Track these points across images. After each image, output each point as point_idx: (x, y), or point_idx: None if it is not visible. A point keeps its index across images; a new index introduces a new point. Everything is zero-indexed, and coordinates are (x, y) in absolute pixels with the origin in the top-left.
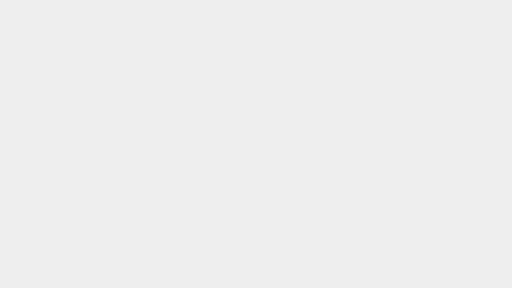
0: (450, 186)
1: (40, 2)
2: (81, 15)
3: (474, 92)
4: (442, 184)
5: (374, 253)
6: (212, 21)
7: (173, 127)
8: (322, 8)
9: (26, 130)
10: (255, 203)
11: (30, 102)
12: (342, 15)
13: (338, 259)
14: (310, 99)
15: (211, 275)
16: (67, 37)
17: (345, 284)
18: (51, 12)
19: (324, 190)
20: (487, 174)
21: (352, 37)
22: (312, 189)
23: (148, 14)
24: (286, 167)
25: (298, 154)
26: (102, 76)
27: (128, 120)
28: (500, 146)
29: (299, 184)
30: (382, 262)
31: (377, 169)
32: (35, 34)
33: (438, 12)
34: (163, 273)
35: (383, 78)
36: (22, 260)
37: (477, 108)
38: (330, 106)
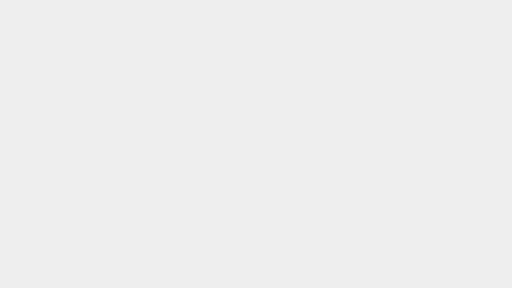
0: (450, 186)
1: (41, 2)
2: (81, 15)
3: (474, 92)
4: (442, 184)
5: (374, 252)
6: (212, 21)
7: (173, 127)
8: (322, 8)
9: (26, 130)
10: (255, 203)
11: (30, 102)
12: (342, 16)
13: (338, 259)
14: (309, 99)
15: (211, 275)
16: (67, 37)
17: (345, 284)
18: (51, 12)
19: (324, 190)
20: (487, 174)
21: (352, 38)
22: (312, 189)
23: (148, 15)
24: (286, 167)
25: (298, 155)
26: (102, 76)
27: (128, 120)
28: (500, 146)
29: (299, 184)
30: (382, 262)
31: (377, 169)
32: (35, 34)
33: (438, 12)
34: (163, 273)
35: (383, 79)
36: (22, 260)
37: (477, 108)
38: (329, 106)
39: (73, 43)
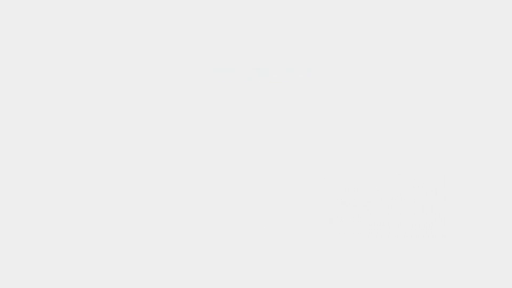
0: (449, 187)
1: (41, 2)
2: (84, 16)
3: (474, 92)
4: (441, 184)
5: (374, 252)
6: (212, 21)
7: (172, 128)
8: (323, 9)
9: (26, 130)
10: (255, 205)
11: (30, 102)
12: (342, 16)
13: (337, 259)
14: (309, 100)
15: (211, 275)
16: (67, 38)
17: (345, 284)
18: (51, 13)
19: (324, 191)
20: (487, 175)
21: (351, 38)
22: (312, 191)
23: (149, 16)
24: (286, 168)
25: (298, 156)
26: (101, 77)
27: (128, 120)
28: (500, 146)
29: (299, 185)
30: (382, 261)
31: (377, 170)
32: (35, 34)
33: (438, 13)
34: (163, 273)
35: (383, 79)
36: (22, 260)
37: (477, 109)
38: (329, 106)
39: (73, 43)
